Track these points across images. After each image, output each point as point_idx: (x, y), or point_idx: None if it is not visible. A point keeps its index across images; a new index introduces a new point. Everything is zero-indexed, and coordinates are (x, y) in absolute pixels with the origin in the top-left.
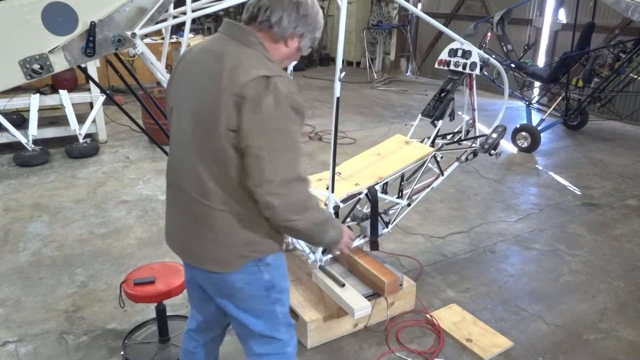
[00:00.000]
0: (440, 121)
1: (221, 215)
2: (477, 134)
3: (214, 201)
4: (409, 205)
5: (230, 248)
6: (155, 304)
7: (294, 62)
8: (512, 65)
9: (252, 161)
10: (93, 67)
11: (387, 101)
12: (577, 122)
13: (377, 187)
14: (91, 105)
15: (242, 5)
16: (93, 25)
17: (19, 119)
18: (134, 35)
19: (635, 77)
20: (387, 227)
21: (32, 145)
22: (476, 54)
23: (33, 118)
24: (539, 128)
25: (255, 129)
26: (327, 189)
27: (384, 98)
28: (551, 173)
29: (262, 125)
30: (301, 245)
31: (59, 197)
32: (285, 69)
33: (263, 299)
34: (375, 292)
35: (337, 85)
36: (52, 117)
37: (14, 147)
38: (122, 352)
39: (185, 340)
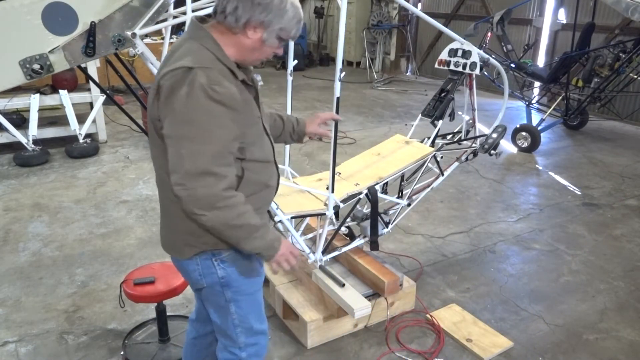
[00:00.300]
0: (440, 121)
1: (172, 203)
2: (477, 134)
3: (166, 189)
4: (409, 205)
5: (179, 235)
6: (155, 304)
7: (294, 62)
8: (512, 65)
9: (168, 150)
10: (93, 67)
11: (387, 101)
12: (577, 122)
13: (377, 187)
14: (91, 105)
15: None
16: (93, 25)
17: (19, 119)
18: (134, 35)
19: (635, 77)
20: (387, 227)
21: (32, 145)
22: (476, 54)
23: (33, 118)
24: (539, 128)
25: (167, 119)
26: (327, 189)
27: (384, 98)
28: (551, 173)
29: (173, 115)
30: (301, 245)
31: (59, 197)
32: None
33: (218, 294)
34: (375, 292)
35: (337, 85)
36: (52, 117)
37: (14, 147)
38: (122, 352)
39: (188, 330)
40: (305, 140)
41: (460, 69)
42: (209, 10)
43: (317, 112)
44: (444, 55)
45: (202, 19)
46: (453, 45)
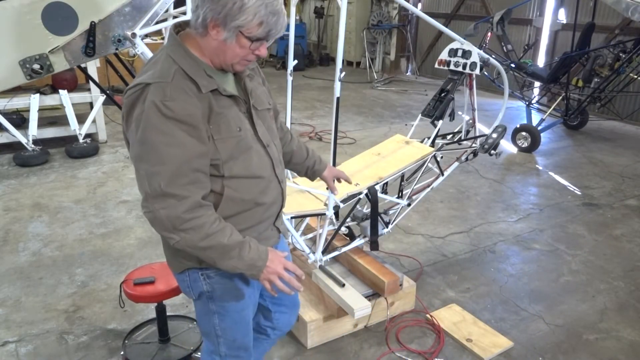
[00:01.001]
0: (440, 121)
1: None
2: (477, 134)
3: None
4: (409, 205)
5: (170, 249)
6: (155, 304)
7: (294, 62)
8: (512, 65)
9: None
10: (93, 67)
11: (387, 101)
12: (577, 122)
13: (377, 187)
14: (91, 105)
15: None
16: (93, 26)
17: (19, 119)
18: (134, 35)
19: (635, 77)
20: (387, 227)
21: (32, 145)
22: (476, 54)
23: (33, 118)
24: (539, 128)
25: (130, 139)
26: (327, 189)
27: (384, 98)
28: (551, 173)
29: (131, 136)
30: (301, 245)
31: (59, 197)
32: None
33: (203, 303)
34: (375, 292)
35: (337, 85)
36: (52, 117)
37: (14, 147)
38: (122, 352)
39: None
40: (315, 180)
41: (460, 69)
42: None
43: (340, 170)
44: (444, 55)
45: (183, 25)
46: (453, 45)
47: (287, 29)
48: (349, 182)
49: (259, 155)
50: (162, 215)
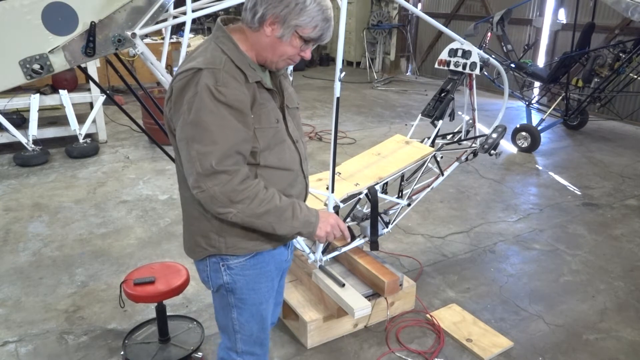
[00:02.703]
0: (440, 121)
1: (190, 203)
2: (477, 134)
3: (184, 188)
4: (409, 205)
5: (192, 236)
6: (155, 304)
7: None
8: (512, 65)
9: (181, 154)
10: (93, 67)
11: (387, 101)
12: (577, 122)
13: (377, 187)
14: (91, 105)
15: (242, 5)
16: (93, 25)
17: (19, 119)
18: (134, 35)
19: (635, 77)
20: (387, 227)
21: (32, 145)
22: (476, 54)
23: (33, 118)
24: (539, 128)
25: (177, 122)
26: (327, 189)
27: (384, 98)
28: (551, 173)
29: (182, 118)
30: (301, 244)
31: (59, 197)
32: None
33: (222, 297)
34: (375, 292)
35: (337, 85)
36: (52, 117)
37: (14, 147)
38: (122, 352)
39: None
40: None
41: (460, 69)
42: (209, 11)
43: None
44: (444, 55)
45: (230, 19)
46: (453, 45)
47: None
48: (345, 239)
49: (290, 149)
50: (216, 192)
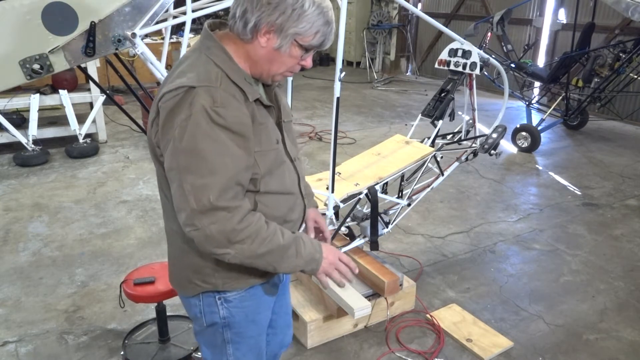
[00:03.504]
0: (440, 121)
1: (178, 236)
2: (477, 134)
3: (171, 220)
4: (409, 205)
5: (182, 270)
6: (155, 304)
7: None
8: (512, 65)
9: (171, 185)
10: (93, 67)
11: (387, 101)
12: (577, 122)
13: (377, 187)
14: (91, 105)
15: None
16: (93, 25)
17: (19, 119)
18: (134, 35)
19: (635, 77)
20: (387, 227)
21: (32, 145)
22: (476, 54)
23: (33, 118)
24: (539, 128)
25: (167, 149)
26: (327, 189)
27: (384, 98)
28: (551, 173)
29: (172, 144)
30: None
31: (59, 197)
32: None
33: (215, 333)
34: (375, 292)
35: (337, 85)
36: (52, 117)
37: (14, 147)
38: (122, 352)
39: None
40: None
41: (460, 69)
42: (209, 11)
43: (322, 218)
44: (444, 55)
45: (217, 24)
46: (453, 45)
47: None
48: (325, 240)
49: (289, 170)
50: (213, 231)
